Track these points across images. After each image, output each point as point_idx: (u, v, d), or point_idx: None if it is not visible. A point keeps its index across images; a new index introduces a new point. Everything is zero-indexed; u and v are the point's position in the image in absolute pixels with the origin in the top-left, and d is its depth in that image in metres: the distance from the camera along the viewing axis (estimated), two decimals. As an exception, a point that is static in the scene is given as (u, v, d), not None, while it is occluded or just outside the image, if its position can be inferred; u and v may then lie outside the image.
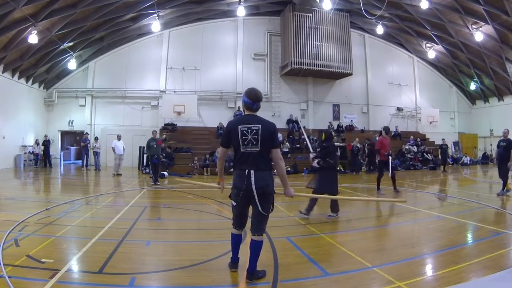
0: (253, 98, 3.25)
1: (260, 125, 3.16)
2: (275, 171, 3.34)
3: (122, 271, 3.43)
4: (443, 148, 17.77)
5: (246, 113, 3.32)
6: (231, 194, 3.36)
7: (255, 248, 3.22)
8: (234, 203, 3.33)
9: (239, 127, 3.18)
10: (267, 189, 3.19)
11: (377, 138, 19.65)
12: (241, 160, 3.20)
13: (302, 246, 4.28)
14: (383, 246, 4.39)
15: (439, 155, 17.92)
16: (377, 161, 9.45)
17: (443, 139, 18.56)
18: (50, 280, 3.03)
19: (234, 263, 3.48)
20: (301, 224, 5.60)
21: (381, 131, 9.62)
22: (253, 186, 3.12)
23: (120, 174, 13.90)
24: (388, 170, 8.90)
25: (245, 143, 3.16)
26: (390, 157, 8.89)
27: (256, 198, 3.15)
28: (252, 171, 3.14)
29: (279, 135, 15.98)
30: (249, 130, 3.15)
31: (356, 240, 4.77)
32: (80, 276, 3.38)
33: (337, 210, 6.07)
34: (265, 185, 3.17)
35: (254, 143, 3.15)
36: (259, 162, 3.17)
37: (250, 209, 3.35)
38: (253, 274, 3.20)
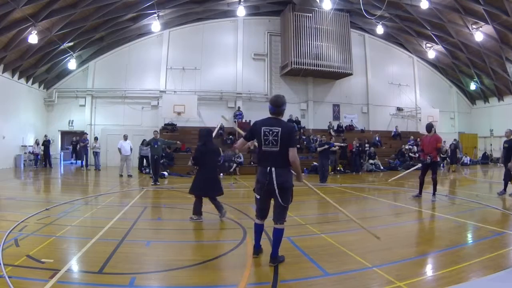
0: (272, 103, 3.65)
1: (280, 128, 3.54)
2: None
3: (122, 271, 3.42)
4: (451, 148, 18.23)
5: (270, 114, 3.69)
6: (254, 188, 3.74)
7: (278, 235, 3.61)
8: (258, 196, 3.71)
9: (262, 128, 3.57)
10: (286, 184, 3.58)
11: (377, 138, 19.89)
12: (263, 158, 3.62)
13: (302, 246, 4.27)
14: (383, 246, 4.38)
15: (457, 154, 18.19)
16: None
17: (455, 139, 19.10)
18: (50, 280, 3.03)
19: (256, 249, 3.80)
20: (301, 224, 5.61)
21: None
22: (274, 182, 3.52)
23: (131, 176, 13.56)
24: (435, 171, 7.98)
25: (266, 143, 3.56)
26: (429, 158, 7.86)
27: (277, 192, 3.55)
28: (273, 169, 3.54)
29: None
30: (271, 132, 3.54)
31: (356, 240, 4.76)
32: (80, 276, 3.37)
33: (199, 213, 5.79)
34: (284, 181, 3.57)
35: (274, 143, 3.53)
36: (279, 160, 3.55)
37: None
38: (276, 258, 3.58)
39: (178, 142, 13.04)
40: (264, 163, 3.60)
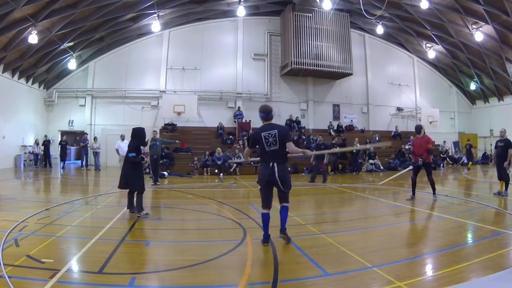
0: (263, 112, 4.42)
1: (277, 130, 4.31)
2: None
3: (122, 271, 3.43)
4: (467, 148, 18.78)
5: (265, 123, 4.43)
6: (258, 180, 4.44)
7: (285, 211, 4.40)
8: (260, 187, 4.41)
9: (262, 134, 4.30)
10: (286, 177, 4.33)
11: (377, 138, 19.87)
12: (267, 156, 4.30)
13: (302, 246, 4.27)
14: (383, 246, 4.38)
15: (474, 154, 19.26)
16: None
17: (468, 139, 19.67)
18: (50, 280, 3.03)
19: (266, 238, 4.25)
20: (301, 224, 5.61)
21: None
22: (276, 175, 4.24)
23: None
24: (429, 173, 7.88)
25: (268, 144, 4.28)
26: (421, 160, 7.71)
27: (279, 183, 4.28)
28: (275, 164, 4.25)
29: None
30: (270, 135, 4.27)
31: (356, 240, 4.77)
32: (80, 276, 3.38)
33: (141, 210, 6.02)
34: (285, 174, 4.33)
35: (274, 143, 4.26)
36: (279, 157, 4.31)
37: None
38: (285, 231, 4.36)
39: (177, 141, 13.01)
40: (267, 160, 4.30)
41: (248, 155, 4.89)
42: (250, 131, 18.67)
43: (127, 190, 6.18)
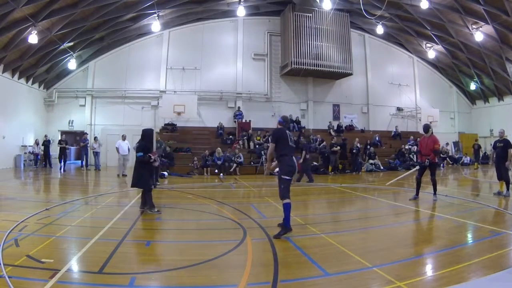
0: (286, 120, 5.48)
1: (292, 134, 5.31)
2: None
3: (122, 271, 3.43)
4: (475, 148, 19.19)
5: (281, 126, 5.30)
6: (285, 172, 4.91)
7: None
8: (289, 177, 4.94)
9: (288, 132, 5.19)
10: None
11: (377, 138, 19.88)
12: (289, 150, 5.07)
13: (302, 246, 4.27)
14: (383, 246, 4.38)
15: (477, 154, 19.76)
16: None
17: (476, 139, 20.13)
18: (50, 280, 3.03)
19: (290, 228, 4.75)
20: (301, 224, 5.61)
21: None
22: (296, 165, 5.12)
23: (125, 175, 13.38)
24: (433, 173, 7.80)
25: (290, 141, 5.11)
26: (427, 161, 7.61)
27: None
28: (293, 157, 5.12)
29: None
30: (291, 134, 5.25)
31: (356, 240, 4.77)
32: (80, 276, 3.38)
33: (151, 206, 6.36)
34: None
35: (294, 141, 5.28)
36: (294, 153, 5.20)
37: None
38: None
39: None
40: (289, 154, 5.06)
41: (273, 151, 5.14)
42: (250, 131, 18.69)
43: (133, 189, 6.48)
